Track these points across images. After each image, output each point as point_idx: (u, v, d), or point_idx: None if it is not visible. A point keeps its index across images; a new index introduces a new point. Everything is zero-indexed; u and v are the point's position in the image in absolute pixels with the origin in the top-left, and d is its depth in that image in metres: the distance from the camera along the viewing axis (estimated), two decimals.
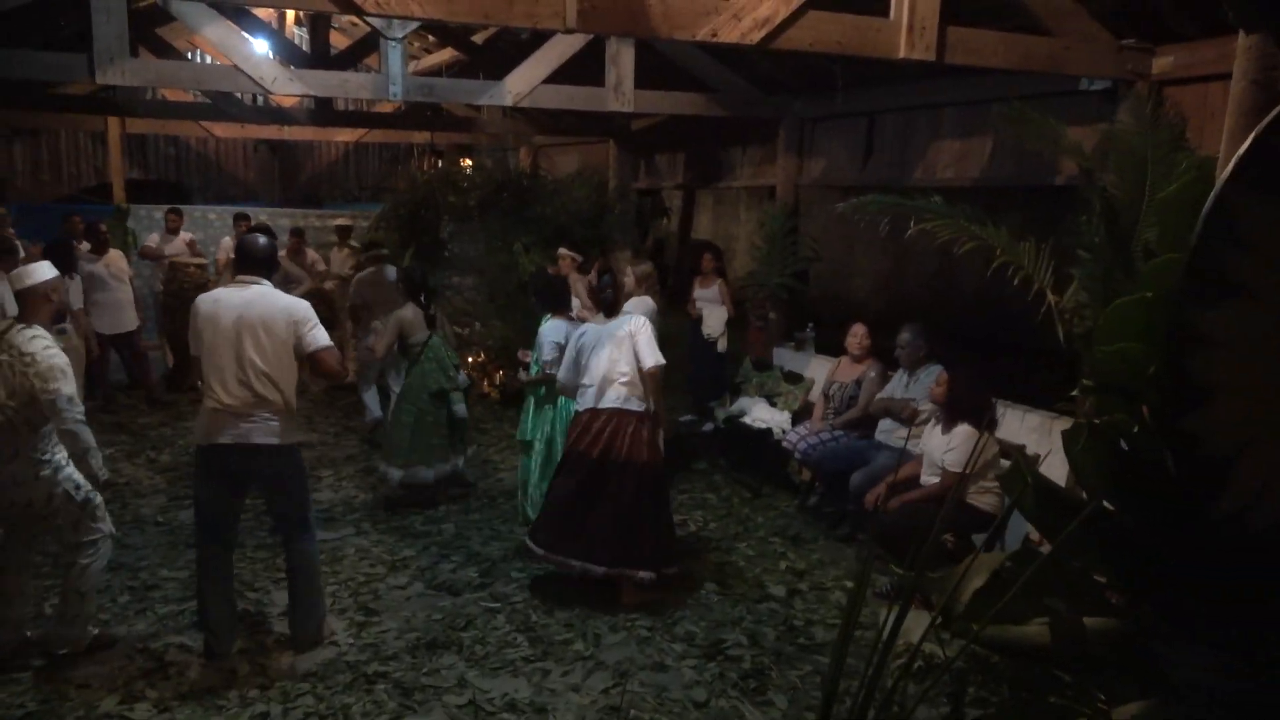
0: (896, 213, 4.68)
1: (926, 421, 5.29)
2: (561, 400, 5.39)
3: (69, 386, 3.70)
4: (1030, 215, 5.74)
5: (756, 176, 8.48)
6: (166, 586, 4.83)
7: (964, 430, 4.77)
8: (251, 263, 3.98)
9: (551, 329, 5.43)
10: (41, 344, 3.72)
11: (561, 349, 5.18)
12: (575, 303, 5.83)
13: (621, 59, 6.57)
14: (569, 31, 3.46)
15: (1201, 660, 1.30)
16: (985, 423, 4.84)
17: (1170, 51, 4.84)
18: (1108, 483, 1.32)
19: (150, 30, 8.64)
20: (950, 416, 4.94)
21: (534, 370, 5.55)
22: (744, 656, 4.22)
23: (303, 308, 3.97)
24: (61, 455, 3.84)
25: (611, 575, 4.62)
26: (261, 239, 4.06)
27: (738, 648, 4.31)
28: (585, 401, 4.75)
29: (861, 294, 7.43)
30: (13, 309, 5.17)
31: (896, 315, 6.04)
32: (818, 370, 6.90)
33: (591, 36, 6.11)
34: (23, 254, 7.24)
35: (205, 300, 3.96)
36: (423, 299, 6.07)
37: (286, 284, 7.45)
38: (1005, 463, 4.82)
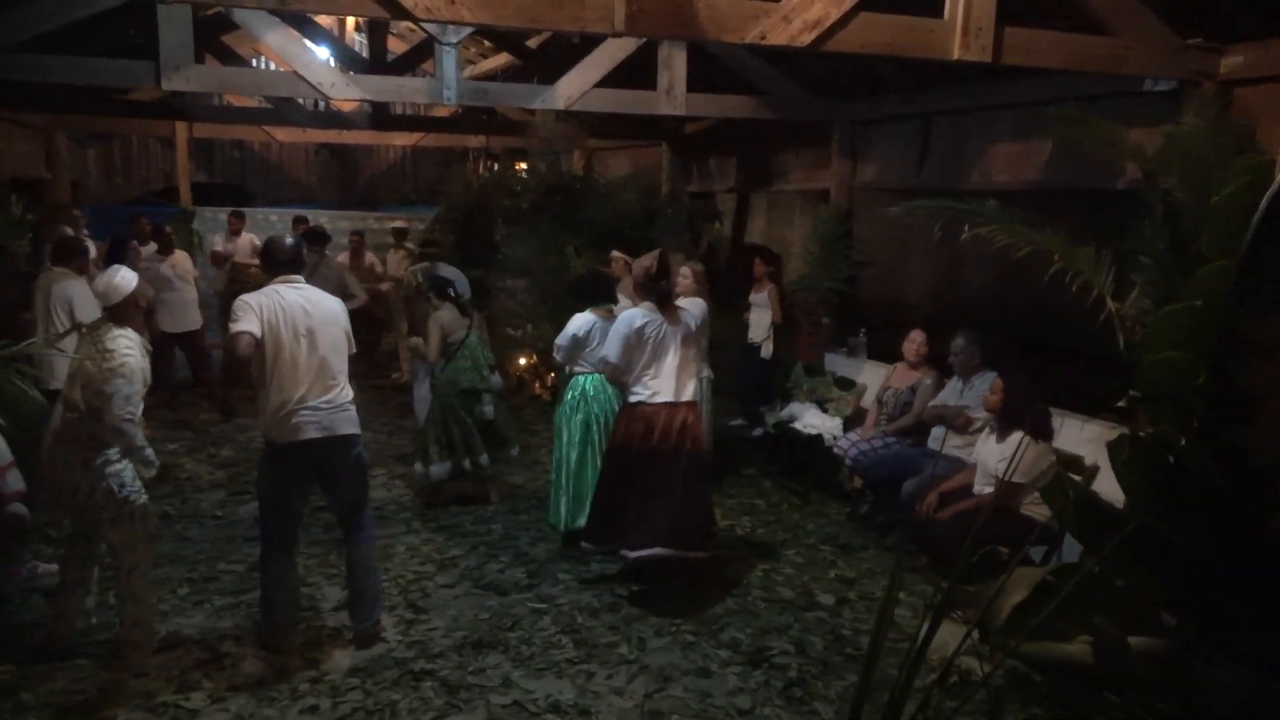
0: (949, 216, 4.60)
1: (981, 430, 5.20)
2: (579, 392, 5.46)
3: (129, 388, 3.80)
4: (1091, 219, 5.59)
5: (809, 180, 8.40)
6: (223, 579, 4.95)
7: (1019, 439, 4.67)
8: (286, 264, 4.10)
9: (578, 321, 5.42)
10: (124, 343, 3.86)
11: (576, 340, 5.34)
12: (624, 301, 5.83)
13: (674, 62, 6.57)
14: (617, 35, 3.48)
15: (1244, 677, 1.25)
16: (1041, 431, 4.73)
17: (1240, 51, 4.68)
18: (1153, 496, 1.27)
19: (216, 38, 8.88)
20: (1005, 425, 4.85)
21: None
22: (790, 665, 4.18)
23: (346, 311, 4.25)
24: (115, 452, 3.94)
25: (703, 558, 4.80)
26: (288, 239, 4.20)
27: (783, 656, 4.27)
28: (659, 393, 4.77)
29: (916, 299, 7.30)
30: (81, 310, 5.36)
31: (952, 320, 5.93)
32: (870, 376, 6.81)
33: (644, 40, 6.12)
34: (93, 253, 7.52)
35: (257, 303, 3.97)
36: (452, 293, 6.13)
37: (345, 299, 7.57)
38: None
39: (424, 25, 5.69)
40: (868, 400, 6.48)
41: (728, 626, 4.54)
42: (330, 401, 4.03)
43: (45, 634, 4.17)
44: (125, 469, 3.97)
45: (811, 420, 6.64)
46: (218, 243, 9.61)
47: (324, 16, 9.14)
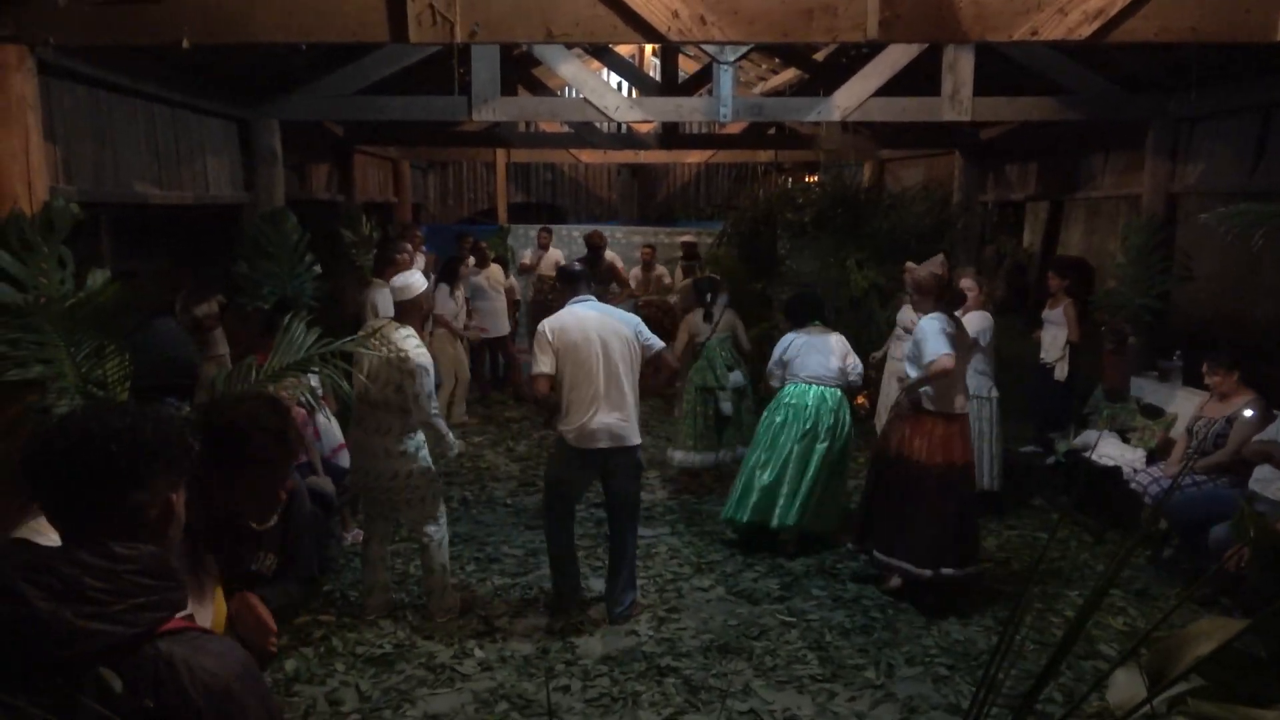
0: (1275, 224, 3.96)
1: None
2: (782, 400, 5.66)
3: (429, 385, 4.35)
4: None
5: (1121, 185, 7.54)
6: (505, 561, 5.45)
7: None
8: (571, 284, 4.58)
9: (783, 343, 5.68)
10: (414, 343, 4.40)
11: (781, 361, 5.60)
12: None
13: (959, 66, 6.25)
14: (870, 43, 3.40)
15: None
16: None
17: None
18: None
19: (528, 72, 9.77)
20: None
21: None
22: (1054, 715, 3.82)
23: (637, 319, 4.59)
24: (412, 439, 4.48)
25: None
26: (576, 264, 4.69)
27: (1049, 704, 3.91)
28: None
29: (1263, 318, 6.24)
30: (384, 313, 6.13)
31: None
32: (1183, 404, 6.02)
33: (926, 45, 5.89)
34: (422, 264, 8.61)
35: (556, 329, 4.43)
36: (708, 300, 6.59)
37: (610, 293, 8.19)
38: None
39: (702, 46, 5.89)
40: (1178, 431, 5.74)
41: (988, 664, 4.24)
42: (619, 412, 4.39)
43: (360, 604, 4.77)
44: (422, 453, 4.50)
45: (1109, 451, 5.98)
46: (526, 256, 10.60)
47: (623, 46, 9.72)
